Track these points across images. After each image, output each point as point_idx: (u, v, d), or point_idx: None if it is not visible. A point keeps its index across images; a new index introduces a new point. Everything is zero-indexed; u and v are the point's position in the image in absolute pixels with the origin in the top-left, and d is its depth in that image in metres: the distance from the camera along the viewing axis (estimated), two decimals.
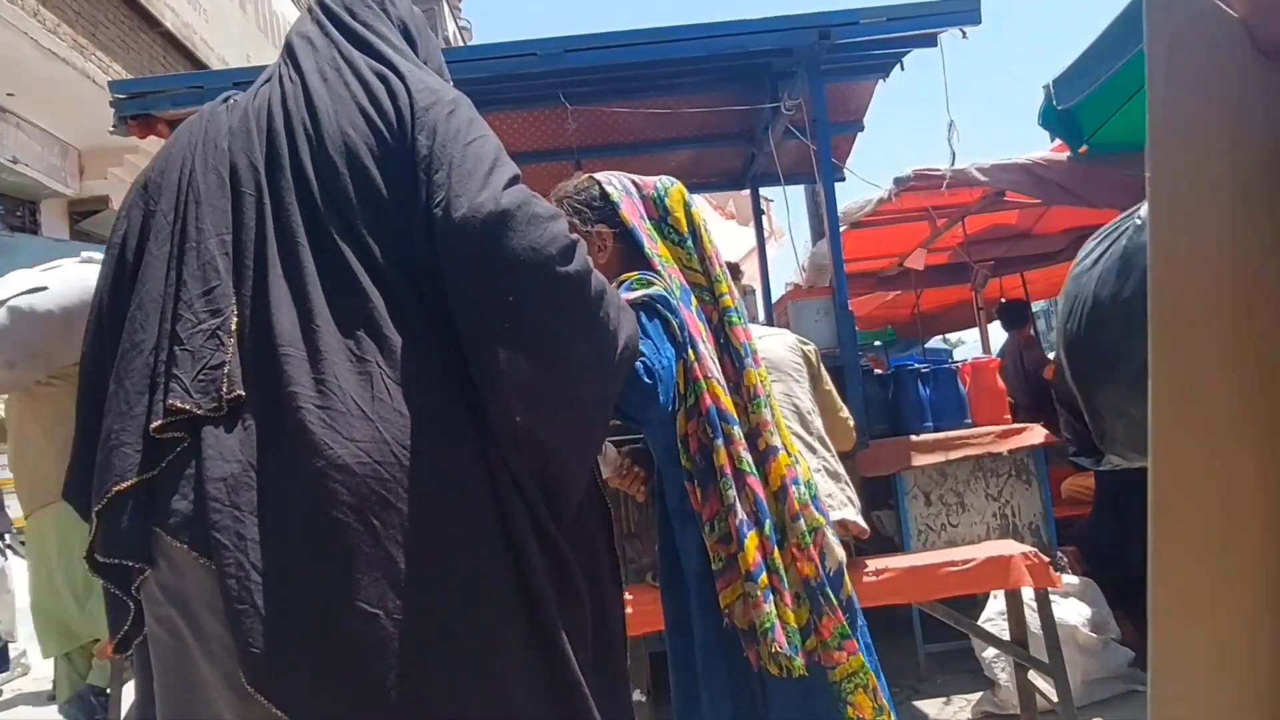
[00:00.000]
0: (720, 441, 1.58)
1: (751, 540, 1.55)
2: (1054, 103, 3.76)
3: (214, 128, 1.24)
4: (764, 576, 1.54)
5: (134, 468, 1.05)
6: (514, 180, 1.15)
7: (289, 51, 1.31)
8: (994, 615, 3.28)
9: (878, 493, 3.93)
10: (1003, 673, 3.24)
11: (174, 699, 1.08)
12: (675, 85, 4.26)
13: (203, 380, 1.06)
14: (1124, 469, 3.88)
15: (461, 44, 22.31)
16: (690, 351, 1.59)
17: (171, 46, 8.99)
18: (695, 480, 1.59)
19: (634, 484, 1.80)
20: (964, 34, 3.70)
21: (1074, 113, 3.84)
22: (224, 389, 1.05)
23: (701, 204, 6.62)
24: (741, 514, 1.55)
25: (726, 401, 1.61)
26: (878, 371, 4.37)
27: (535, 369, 1.10)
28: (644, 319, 1.56)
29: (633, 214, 1.72)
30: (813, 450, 2.62)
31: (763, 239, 5.99)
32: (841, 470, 2.70)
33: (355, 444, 1.03)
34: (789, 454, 1.68)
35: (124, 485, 1.04)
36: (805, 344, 2.83)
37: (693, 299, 1.68)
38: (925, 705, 3.49)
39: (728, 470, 1.57)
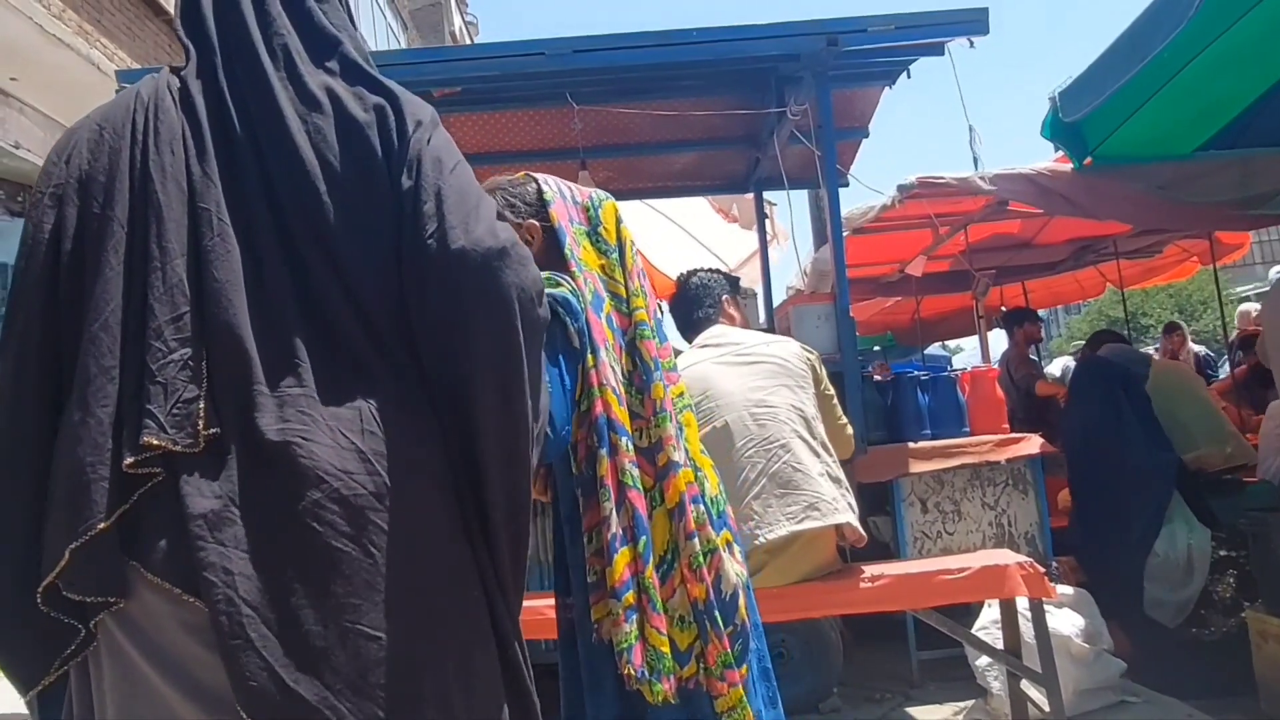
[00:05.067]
0: (604, 451, 1.56)
1: (621, 556, 1.53)
2: (1059, 115, 3.77)
3: (166, 127, 1.13)
4: (629, 595, 1.52)
5: (111, 505, 1.01)
6: (492, 208, 1.17)
7: (231, 30, 1.18)
8: (988, 624, 3.29)
9: (874, 499, 3.94)
10: (995, 681, 3.25)
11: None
12: (682, 88, 4.26)
13: (177, 415, 1.02)
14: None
15: (468, 39, 22.31)
16: (591, 357, 1.58)
17: (176, 36, 8.98)
18: (581, 489, 1.59)
19: (538, 483, 1.76)
20: (971, 43, 3.71)
21: (1079, 125, 3.85)
22: (200, 424, 1.03)
23: (704, 206, 6.63)
24: (616, 528, 1.53)
25: (619, 412, 1.59)
26: (877, 378, 4.38)
27: (520, 399, 1.13)
28: None
29: (562, 216, 1.73)
30: (816, 455, 2.64)
31: (765, 243, 6.00)
32: (842, 475, 2.71)
33: (351, 476, 1.03)
34: (694, 470, 1.66)
35: (106, 525, 1.00)
36: (809, 352, 2.85)
37: (605, 305, 1.68)
38: (918, 712, 3.50)
39: (609, 482, 1.55)
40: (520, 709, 1.16)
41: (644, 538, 1.55)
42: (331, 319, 1.10)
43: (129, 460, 1.01)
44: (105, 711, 1.07)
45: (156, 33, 8.69)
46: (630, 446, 1.58)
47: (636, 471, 1.58)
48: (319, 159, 1.11)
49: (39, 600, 1.03)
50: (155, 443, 1.01)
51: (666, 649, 1.52)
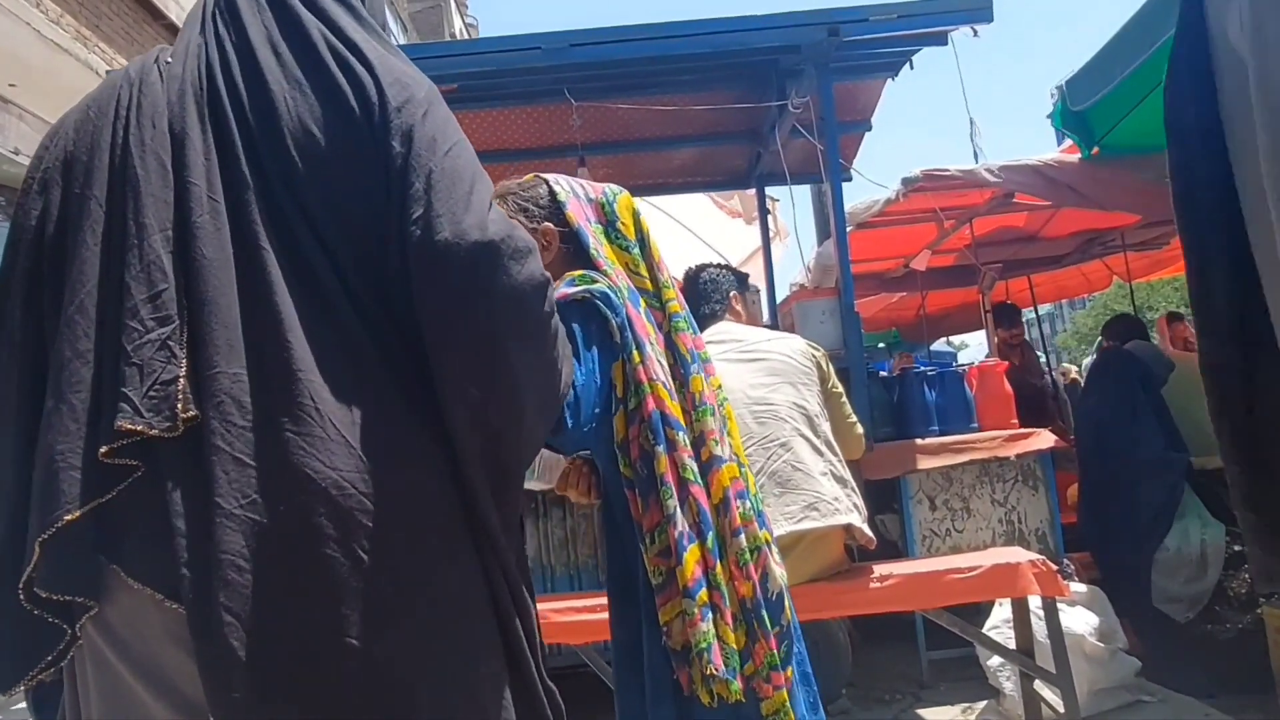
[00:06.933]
0: (662, 448, 1.50)
1: (691, 554, 1.48)
2: (1067, 104, 3.71)
3: (149, 102, 1.09)
4: (703, 592, 1.47)
5: (82, 494, 0.96)
6: (492, 197, 1.11)
7: (227, 4, 1.15)
8: (999, 623, 3.23)
9: (882, 496, 3.89)
10: (1008, 681, 3.19)
11: None
12: (681, 82, 4.22)
13: (154, 397, 0.96)
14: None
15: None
16: (636, 353, 1.53)
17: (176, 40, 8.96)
18: (635, 489, 1.53)
19: (580, 484, 1.72)
20: (975, 32, 3.66)
21: (1086, 114, 3.79)
22: (178, 407, 0.97)
23: (706, 203, 6.58)
24: (682, 525, 1.48)
25: (672, 406, 1.54)
26: (898, 370, 4.33)
27: (501, 406, 1.09)
28: (578, 319, 1.51)
29: (579, 215, 1.67)
30: (819, 454, 2.59)
31: (768, 239, 5.95)
32: (848, 475, 2.66)
33: (339, 473, 0.98)
34: (738, 465, 1.62)
35: (74, 515, 0.95)
36: (815, 349, 2.80)
37: (641, 302, 1.63)
38: (928, 713, 3.44)
39: (669, 479, 1.50)
40: (529, 713, 1.11)
41: (710, 533, 1.51)
42: (321, 297, 1.04)
43: (104, 449, 0.96)
44: (90, 715, 1.03)
45: (155, 37, 8.66)
46: (687, 441, 1.54)
47: (695, 466, 1.54)
48: (301, 130, 1.06)
49: (21, 598, 0.98)
50: (130, 427, 0.95)
51: (736, 645, 1.48)
